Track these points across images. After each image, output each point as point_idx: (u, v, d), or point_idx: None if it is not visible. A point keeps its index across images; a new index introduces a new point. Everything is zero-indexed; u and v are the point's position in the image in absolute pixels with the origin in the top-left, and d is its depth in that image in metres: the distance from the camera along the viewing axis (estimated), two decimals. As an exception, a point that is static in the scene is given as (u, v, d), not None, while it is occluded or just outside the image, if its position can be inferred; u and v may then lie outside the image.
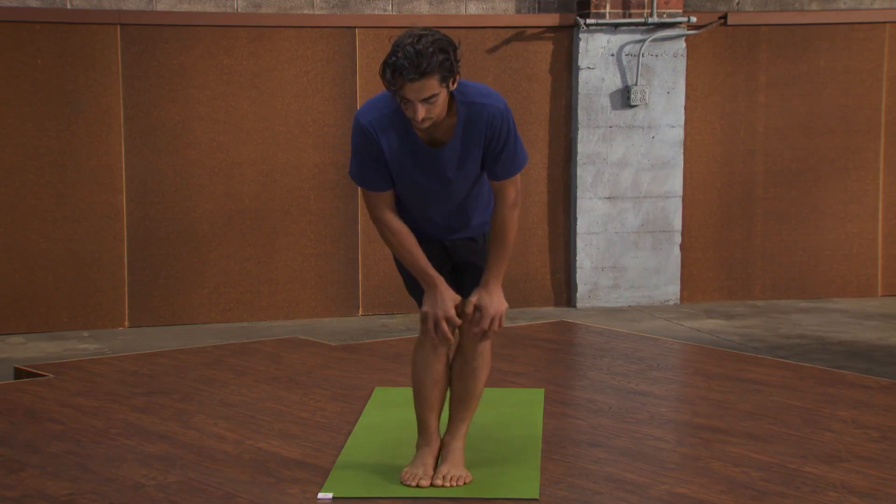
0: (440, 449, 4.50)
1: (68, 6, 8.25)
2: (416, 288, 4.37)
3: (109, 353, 7.51)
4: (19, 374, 6.25)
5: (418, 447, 4.50)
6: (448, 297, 4.27)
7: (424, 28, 4.04)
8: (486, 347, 4.42)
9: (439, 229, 4.37)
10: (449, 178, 4.22)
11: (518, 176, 4.26)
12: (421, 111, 4.00)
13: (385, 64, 3.99)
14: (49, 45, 8.19)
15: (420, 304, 4.34)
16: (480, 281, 4.32)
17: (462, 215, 4.36)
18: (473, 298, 4.30)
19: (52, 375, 6.06)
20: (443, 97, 4.03)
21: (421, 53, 3.94)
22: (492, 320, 4.30)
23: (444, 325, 4.27)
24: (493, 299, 4.30)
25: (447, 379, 4.46)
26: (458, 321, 4.31)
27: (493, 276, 4.30)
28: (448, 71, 3.99)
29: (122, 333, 8.28)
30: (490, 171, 4.23)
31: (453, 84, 4.05)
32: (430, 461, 4.46)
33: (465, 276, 4.40)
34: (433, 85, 3.98)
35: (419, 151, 4.19)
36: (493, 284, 4.30)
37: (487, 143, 4.17)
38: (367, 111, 4.20)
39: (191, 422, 5.26)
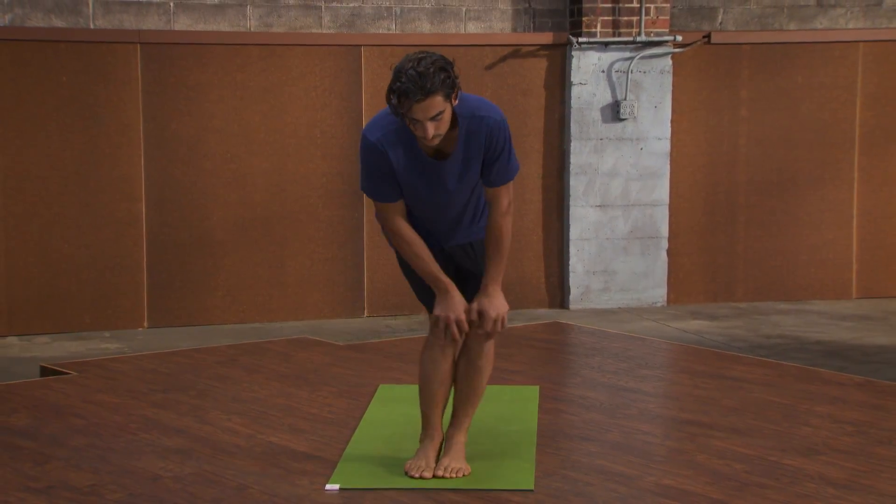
0: (443, 441, 4.50)
1: (91, 26, 8.25)
2: (426, 294, 4.37)
3: (129, 352, 7.50)
4: (45, 371, 6.24)
5: (422, 441, 4.49)
6: (459, 302, 4.28)
7: (422, 51, 4.04)
8: (489, 347, 4.43)
9: (440, 235, 4.37)
10: (450, 189, 4.23)
11: (511, 184, 4.27)
12: (430, 129, 4.01)
13: (391, 90, 3.98)
14: (73, 63, 8.18)
15: (430, 309, 4.34)
16: (480, 286, 4.32)
17: (460, 223, 4.36)
18: (475, 305, 4.30)
19: (75, 373, 6.04)
20: (448, 113, 4.04)
21: (423, 75, 3.94)
22: (494, 322, 4.30)
23: (454, 328, 4.28)
24: (494, 302, 4.30)
25: (452, 377, 4.46)
26: (466, 326, 4.31)
27: (491, 280, 4.31)
28: (450, 87, 4.01)
29: (142, 334, 8.27)
30: (485, 177, 4.24)
31: (455, 99, 4.05)
32: (433, 454, 4.45)
33: (468, 283, 4.40)
34: (438, 102, 3.98)
35: (425, 164, 4.19)
36: (493, 288, 4.30)
37: (486, 153, 4.18)
38: (373, 129, 4.19)
39: (206, 417, 5.25)
